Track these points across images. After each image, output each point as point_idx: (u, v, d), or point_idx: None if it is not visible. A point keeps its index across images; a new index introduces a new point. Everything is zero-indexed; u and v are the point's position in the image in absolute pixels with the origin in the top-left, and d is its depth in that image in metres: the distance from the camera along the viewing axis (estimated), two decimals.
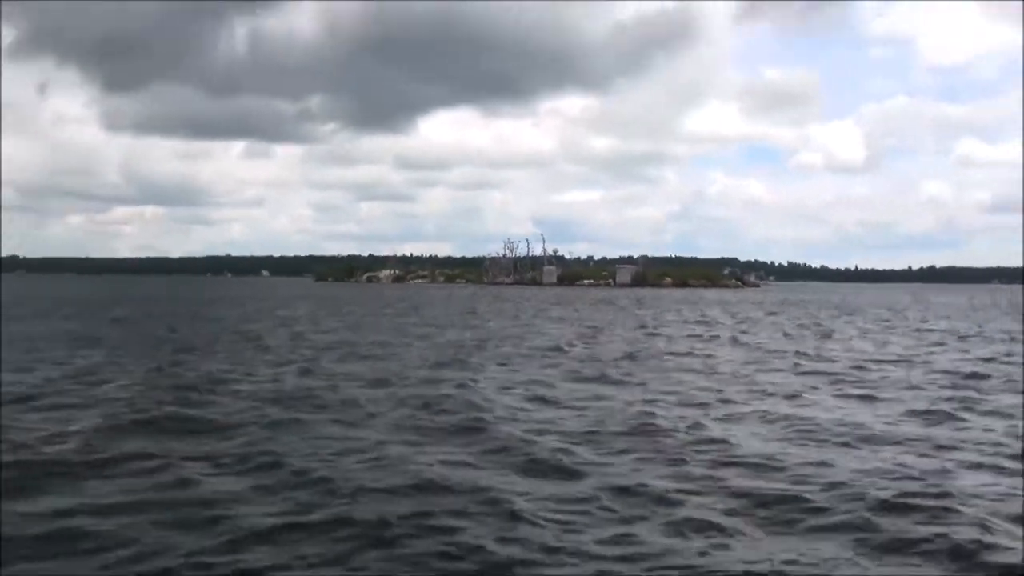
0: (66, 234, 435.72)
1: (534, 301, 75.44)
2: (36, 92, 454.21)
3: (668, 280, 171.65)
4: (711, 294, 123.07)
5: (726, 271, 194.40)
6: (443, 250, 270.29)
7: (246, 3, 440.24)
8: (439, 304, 65.09)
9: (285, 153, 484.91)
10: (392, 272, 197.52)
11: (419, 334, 30.63)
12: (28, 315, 39.49)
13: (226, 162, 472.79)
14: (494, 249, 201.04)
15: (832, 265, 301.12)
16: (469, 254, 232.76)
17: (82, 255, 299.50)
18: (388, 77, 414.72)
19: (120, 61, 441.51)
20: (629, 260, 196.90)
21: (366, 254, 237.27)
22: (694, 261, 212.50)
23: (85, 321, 36.94)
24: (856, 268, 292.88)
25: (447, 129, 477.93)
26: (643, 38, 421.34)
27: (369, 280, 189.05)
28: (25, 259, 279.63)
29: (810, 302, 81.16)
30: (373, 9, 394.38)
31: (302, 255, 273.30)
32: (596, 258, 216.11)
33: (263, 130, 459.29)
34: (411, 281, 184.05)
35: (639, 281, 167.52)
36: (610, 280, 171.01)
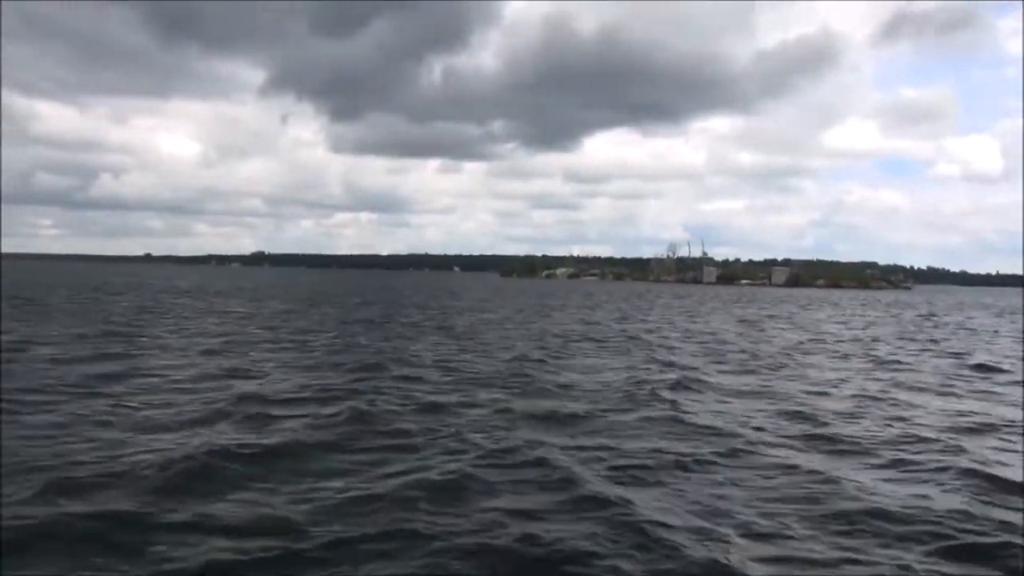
0: (300, 235, 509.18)
1: (723, 299, 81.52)
2: (280, 122, 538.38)
3: (821, 281, 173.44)
4: (884, 295, 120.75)
5: (866, 272, 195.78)
6: (604, 251, 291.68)
7: (441, 44, 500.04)
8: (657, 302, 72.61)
9: (472, 169, 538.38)
10: (567, 270, 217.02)
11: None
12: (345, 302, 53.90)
13: (424, 176, 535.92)
14: (649, 251, 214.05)
15: (971, 270, 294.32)
16: (628, 255, 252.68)
17: (312, 252, 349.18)
18: (558, 103, 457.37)
19: (344, 96, 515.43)
20: (775, 262, 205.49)
21: (540, 254, 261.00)
22: (836, 264, 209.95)
23: (383, 308, 50.93)
24: (997, 273, 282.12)
25: (608, 147, 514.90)
26: (785, 63, 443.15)
27: (548, 276, 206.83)
28: (269, 255, 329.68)
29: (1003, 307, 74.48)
30: (546, 46, 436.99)
31: (486, 254, 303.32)
32: (743, 260, 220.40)
33: (454, 149, 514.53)
34: (583, 278, 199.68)
35: (793, 282, 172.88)
36: (765, 280, 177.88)
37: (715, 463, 8.97)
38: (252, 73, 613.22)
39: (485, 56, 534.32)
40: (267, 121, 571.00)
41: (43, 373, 14.13)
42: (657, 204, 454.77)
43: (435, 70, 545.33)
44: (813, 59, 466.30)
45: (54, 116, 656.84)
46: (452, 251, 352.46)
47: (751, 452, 9.53)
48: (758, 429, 11.01)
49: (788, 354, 22.61)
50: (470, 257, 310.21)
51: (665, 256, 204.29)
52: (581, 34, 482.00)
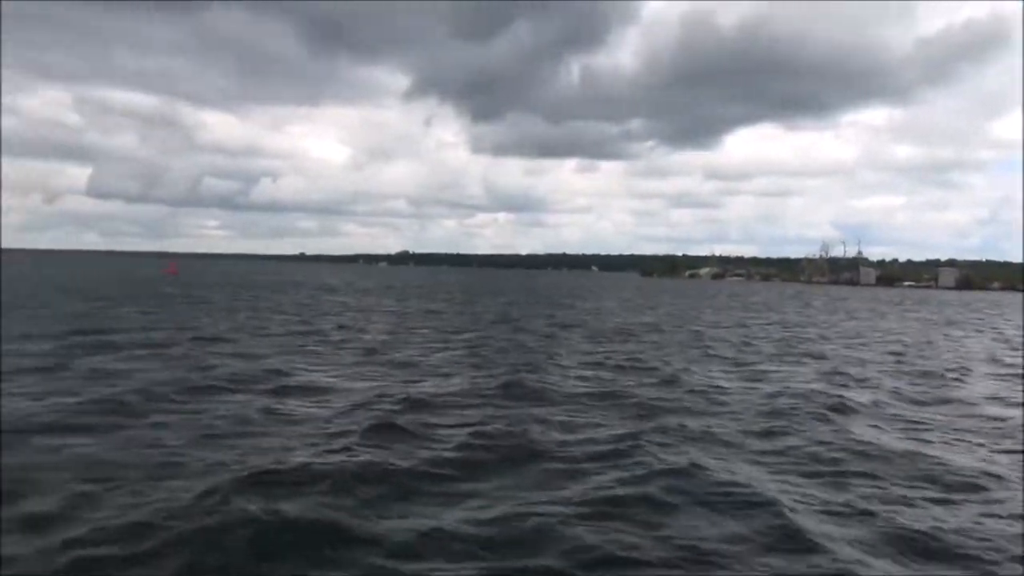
0: (442, 235, 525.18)
1: (890, 302, 74.51)
2: (423, 124, 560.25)
3: (996, 284, 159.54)
4: None
5: None
6: (747, 251, 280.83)
7: (579, 44, 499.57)
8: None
9: (609, 168, 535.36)
10: (711, 270, 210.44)
11: None
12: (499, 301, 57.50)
13: (561, 176, 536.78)
14: (795, 251, 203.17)
15: None
16: (772, 255, 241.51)
17: (453, 251, 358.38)
18: (698, 100, 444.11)
19: (484, 98, 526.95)
20: (937, 263, 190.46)
21: (679, 254, 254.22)
22: (1008, 266, 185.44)
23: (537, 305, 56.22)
24: None
25: (750, 143, 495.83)
26: (950, 50, 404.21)
27: (691, 276, 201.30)
28: (413, 254, 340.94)
29: None
30: (685, 42, 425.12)
31: (624, 254, 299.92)
32: (900, 260, 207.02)
33: (591, 149, 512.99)
34: (728, 278, 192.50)
35: (964, 284, 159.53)
36: (931, 282, 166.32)
37: None
38: (397, 78, 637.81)
39: (623, 54, 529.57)
40: (411, 124, 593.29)
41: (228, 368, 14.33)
42: (802, 202, 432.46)
43: (573, 70, 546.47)
44: (981, 44, 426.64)
45: (219, 125, 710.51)
46: (589, 250, 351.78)
47: None
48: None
49: None
50: (608, 257, 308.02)
51: (817, 256, 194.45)
52: (722, 29, 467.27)
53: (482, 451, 8.77)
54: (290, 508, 6.43)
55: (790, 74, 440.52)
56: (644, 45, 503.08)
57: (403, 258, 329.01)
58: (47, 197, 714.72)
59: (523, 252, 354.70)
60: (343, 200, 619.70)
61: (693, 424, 10.52)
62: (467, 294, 58.48)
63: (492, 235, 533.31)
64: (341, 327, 24.70)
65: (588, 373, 15.59)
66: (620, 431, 9.93)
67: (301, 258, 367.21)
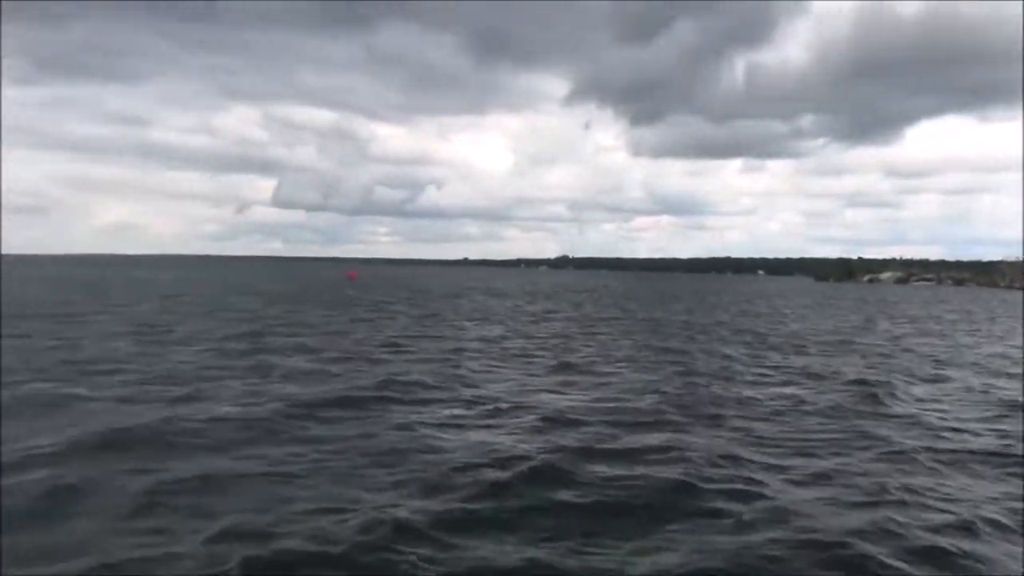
0: (601, 239, 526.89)
1: None
2: (583, 129, 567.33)
3: None
4: None
5: None
6: (932, 253, 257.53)
7: (744, 41, 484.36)
8: None
9: (777, 167, 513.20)
10: (894, 274, 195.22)
11: None
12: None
13: (725, 177, 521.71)
14: (986, 252, 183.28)
15: None
16: (962, 257, 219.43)
17: (612, 255, 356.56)
18: (875, 93, 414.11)
19: (643, 100, 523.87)
20: None
21: (854, 257, 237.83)
22: None
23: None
24: None
25: (935, 137, 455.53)
26: None
27: (870, 281, 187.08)
28: (573, 258, 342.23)
29: None
30: (861, 33, 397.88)
31: (793, 257, 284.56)
32: None
33: (758, 148, 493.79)
34: (914, 283, 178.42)
35: None
36: None
37: None
38: (557, 84, 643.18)
39: (792, 49, 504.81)
40: (571, 129, 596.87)
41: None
42: (994, 199, 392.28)
43: (738, 68, 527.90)
44: None
45: (390, 136, 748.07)
46: (755, 254, 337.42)
47: None
48: None
49: None
50: (775, 260, 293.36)
51: (1019, 259, 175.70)
52: (902, 16, 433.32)
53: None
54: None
55: (981, 61, 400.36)
56: (815, 38, 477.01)
57: (562, 262, 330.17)
58: (238, 207, 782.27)
59: (684, 256, 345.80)
60: (505, 206, 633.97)
61: None
62: (639, 299, 56.93)
63: (652, 239, 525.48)
64: (528, 337, 24.01)
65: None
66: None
67: (464, 263, 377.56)
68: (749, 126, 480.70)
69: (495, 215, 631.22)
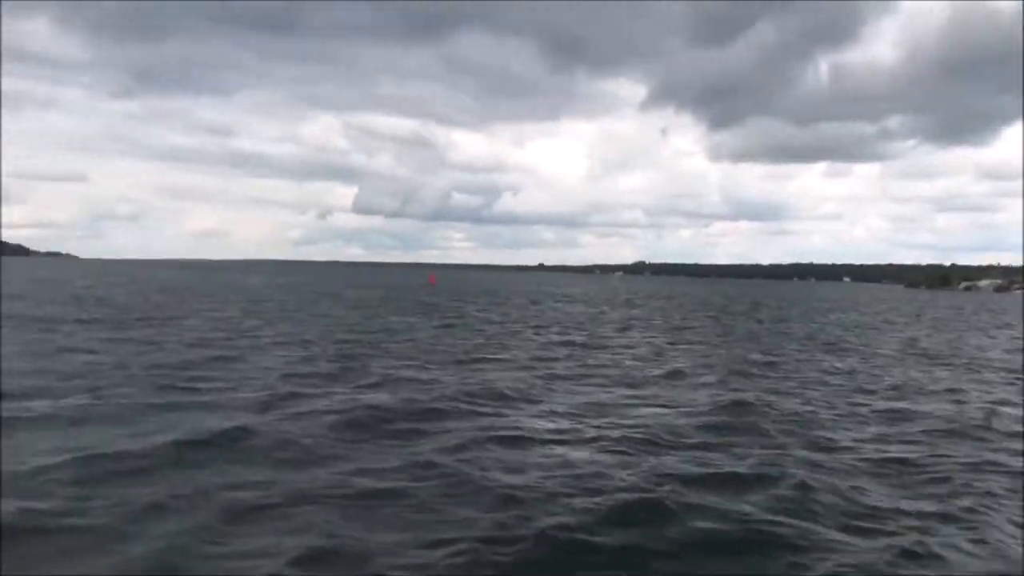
0: (678, 245, 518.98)
1: None
2: (660, 134, 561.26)
3: None
4: None
5: None
6: None
7: (828, 41, 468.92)
8: None
9: (863, 171, 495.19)
10: (993, 281, 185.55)
11: None
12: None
13: (807, 181, 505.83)
14: None
15: None
16: None
17: (690, 261, 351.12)
18: (970, 92, 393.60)
19: (722, 104, 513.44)
20: None
21: (947, 263, 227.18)
22: None
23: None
24: None
25: None
26: None
27: (967, 289, 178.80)
28: (649, 264, 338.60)
29: None
30: (955, 30, 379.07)
31: (880, 263, 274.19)
32: None
33: (842, 151, 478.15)
34: (1015, 291, 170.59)
35: None
36: None
37: None
38: (634, 89, 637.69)
39: (879, 48, 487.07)
40: (648, 134, 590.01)
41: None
42: None
43: (822, 68, 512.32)
44: None
45: (466, 143, 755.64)
46: (839, 260, 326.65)
47: None
48: None
49: None
50: (861, 267, 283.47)
51: None
52: (1000, 11, 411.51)
53: None
54: None
55: None
56: (905, 36, 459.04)
57: (639, 268, 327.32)
58: (320, 213, 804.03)
59: (765, 262, 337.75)
60: (580, 212, 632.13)
61: None
62: (725, 306, 55.01)
63: (731, 244, 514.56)
64: (614, 346, 22.84)
65: None
66: None
67: (540, 268, 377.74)
68: (833, 128, 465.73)
69: (570, 221, 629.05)
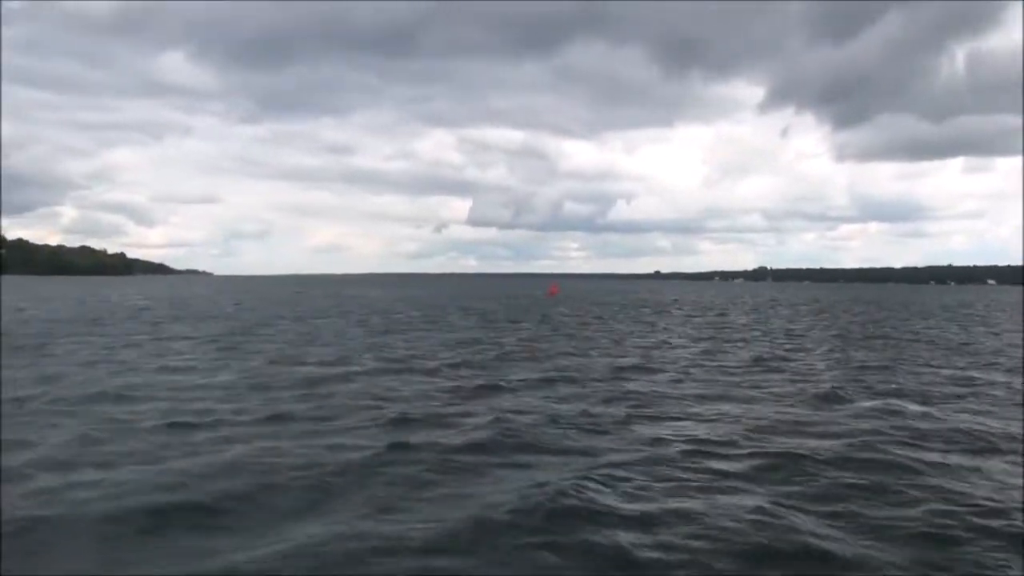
0: (802, 249, 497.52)
1: None
2: (780, 136, 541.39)
3: None
4: None
5: None
6: None
7: (965, 28, 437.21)
8: None
9: (1007, 165, 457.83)
10: None
11: None
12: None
13: (944, 179, 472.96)
14: None
15: None
16: None
17: (815, 266, 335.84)
18: None
19: (847, 102, 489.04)
20: None
21: None
22: None
23: None
24: None
25: None
26: None
27: None
28: (772, 270, 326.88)
29: None
30: None
31: None
32: None
33: (983, 145, 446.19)
34: None
35: None
36: None
37: None
38: (751, 91, 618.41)
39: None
40: (767, 137, 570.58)
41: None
42: None
43: (957, 58, 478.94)
44: None
45: (578, 152, 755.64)
46: (981, 261, 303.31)
47: None
48: None
49: None
50: (1007, 268, 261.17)
51: None
52: None
53: None
54: None
55: None
56: None
57: (760, 274, 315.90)
58: (436, 227, 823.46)
59: (898, 265, 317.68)
60: (697, 218, 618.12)
61: None
62: (869, 313, 50.42)
63: (860, 247, 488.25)
64: (755, 358, 20.03)
65: None
66: None
67: (656, 276, 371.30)
68: (972, 122, 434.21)
69: (686, 227, 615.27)
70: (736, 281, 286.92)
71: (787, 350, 22.67)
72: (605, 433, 9.87)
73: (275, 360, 17.57)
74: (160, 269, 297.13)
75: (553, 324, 33.43)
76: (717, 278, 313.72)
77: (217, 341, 22.55)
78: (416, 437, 9.18)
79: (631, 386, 14.20)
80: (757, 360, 19.28)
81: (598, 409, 11.56)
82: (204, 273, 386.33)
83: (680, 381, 15.28)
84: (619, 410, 11.53)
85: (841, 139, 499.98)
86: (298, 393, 12.75)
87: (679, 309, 53.17)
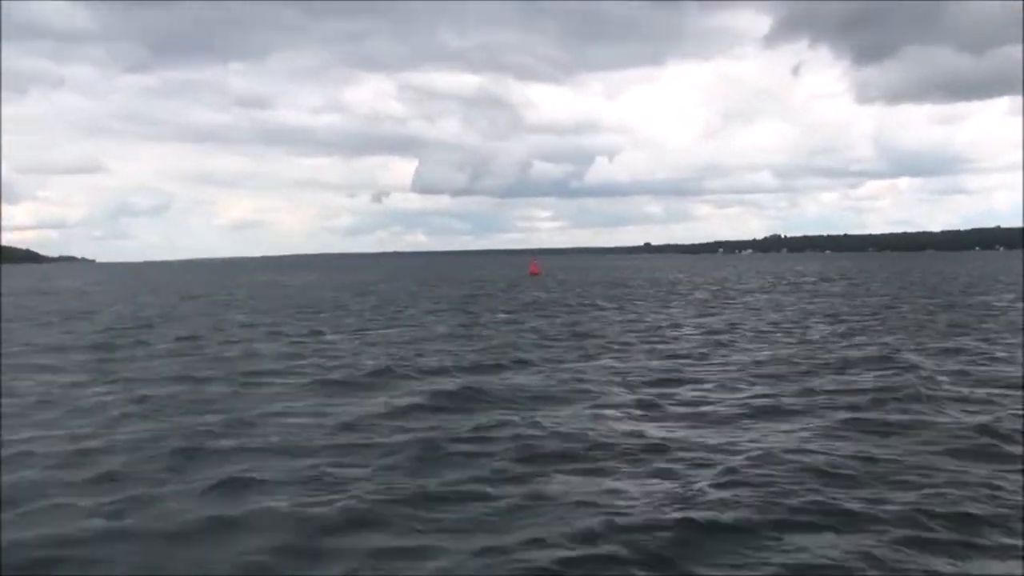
0: (820, 212, 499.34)
1: None
2: (790, 75, 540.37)
3: None
4: None
5: None
6: None
7: None
8: None
9: None
10: None
11: None
12: None
13: (988, 123, 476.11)
14: None
15: None
16: None
17: (837, 232, 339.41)
18: None
19: (871, 32, 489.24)
20: None
21: None
22: None
23: None
24: None
25: None
26: None
27: None
28: (786, 238, 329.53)
29: None
30: None
31: None
32: None
33: None
34: None
35: None
36: None
37: None
38: (756, 21, 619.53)
39: None
40: (774, 75, 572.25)
41: None
42: None
43: None
44: None
45: (548, 100, 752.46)
46: None
47: None
48: None
49: None
50: None
51: None
52: None
53: None
54: None
55: None
56: None
57: (772, 244, 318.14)
58: (374, 195, 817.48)
59: (936, 229, 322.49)
60: (694, 177, 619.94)
61: None
62: (926, 289, 49.23)
63: (888, 208, 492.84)
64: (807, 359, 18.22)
65: None
66: None
67: (647, 249, 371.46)
68: (1020, 54, 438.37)
69: (682, 189, 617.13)
70: (744, 253, 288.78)
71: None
72: None
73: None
74: (28, 257, 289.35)
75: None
76: (721, 250, 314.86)
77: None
78: None
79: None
80: None
81: None
82: (84, 260, 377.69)
83: None
84: None
85: (863, 76, 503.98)
86: None
87: (703, 291, 51.49)
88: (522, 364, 17.41)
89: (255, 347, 21.07)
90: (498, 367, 17.00)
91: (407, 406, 12.57)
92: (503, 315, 31.58)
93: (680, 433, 10.70)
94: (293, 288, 62.63)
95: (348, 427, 11.22)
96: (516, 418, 11.51)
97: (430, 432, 10.77)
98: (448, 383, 14.66)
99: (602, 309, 34.89)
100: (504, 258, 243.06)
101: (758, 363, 17.23)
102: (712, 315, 31.05)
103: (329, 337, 23.73)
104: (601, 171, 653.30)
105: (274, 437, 10.57)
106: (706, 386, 14.40)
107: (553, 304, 38.50)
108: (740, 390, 13.96)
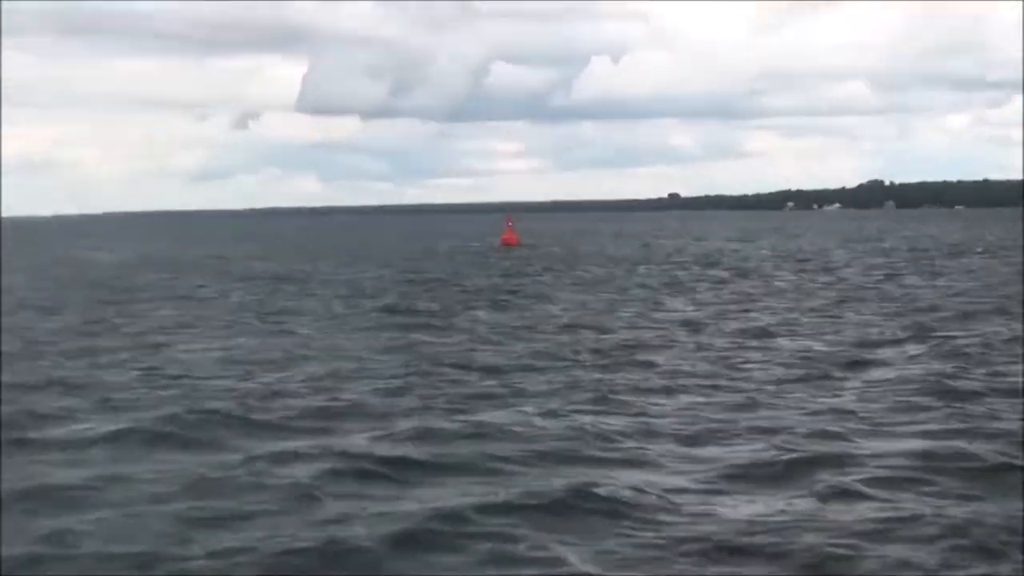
0: (940, 144, 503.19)
1: None
2: None
3: None
4: None
5: None
6: None
7: None
8: None
9: None
10: None
11: None
12: None
13: None
14: None
15: None
16: None
17: (969, 177, 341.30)
18: None
19: None
20: None
21: None
22: None
23: None
24: None
25: None
26: None
27: None
28: (893, 185, 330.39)
29: None
30: None
31: None
32: None
33: None
34: None
35: None
36: None
37: None
38: None
39: None
40: None
41: None
42: None
43: None
44: None
45: None
46: None
47: None
48: None
49: None
50: None
51: None
52: None
53: None
54: None
55: None
56: None
57: (870, 195, 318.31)
58: (236, 120, 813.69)
59: None
60: (743, 92, 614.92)
61: None
62: None
63: None
64: None
65: None
66: None
67: (673, 203, 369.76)
68: None
69: (728, 109, 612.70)
70: (828, 209, 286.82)
71: None
72: None
73: None
74: None
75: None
76: (791, 204, 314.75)
77: None
78: None
79: None
80: None
81: None
82: None
83: None
84: None
85: None
86: None
87: None
88: None
89: None
90: None
91: None
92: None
93: None
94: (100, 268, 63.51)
95: None
96: None
97: None
98: None
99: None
100: (446, 219, 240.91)
101: None
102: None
103: None
104: (600, 80, 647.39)
105: None
106: None
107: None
108: None
